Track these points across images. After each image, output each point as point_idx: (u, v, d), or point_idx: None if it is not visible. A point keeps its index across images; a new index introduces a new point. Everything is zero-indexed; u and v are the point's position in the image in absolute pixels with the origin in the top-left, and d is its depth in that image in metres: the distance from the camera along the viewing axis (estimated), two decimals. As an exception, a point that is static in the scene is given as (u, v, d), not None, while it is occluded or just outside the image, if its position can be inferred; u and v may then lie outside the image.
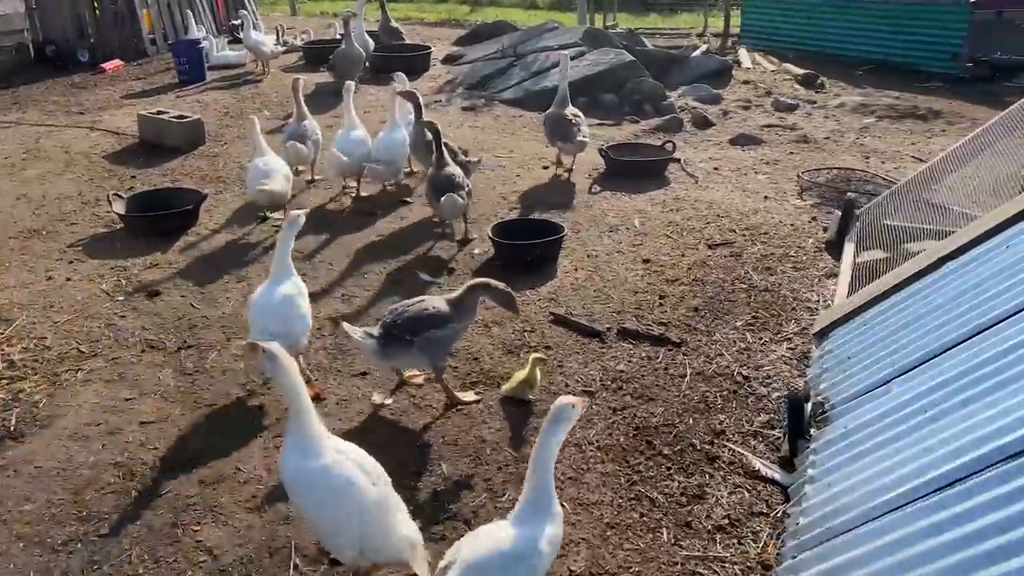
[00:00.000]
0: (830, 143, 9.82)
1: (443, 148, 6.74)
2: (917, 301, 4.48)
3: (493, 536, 2.91)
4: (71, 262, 6.52)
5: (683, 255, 6.68)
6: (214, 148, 9.23)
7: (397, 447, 4.36)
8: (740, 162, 9.13)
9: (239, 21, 13.09)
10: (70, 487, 4.02)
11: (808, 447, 3.99)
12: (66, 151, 9.06)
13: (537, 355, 4.80)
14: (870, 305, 4.88)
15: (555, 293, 6.07)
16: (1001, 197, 5.48)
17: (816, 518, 3.40)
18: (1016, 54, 13.72)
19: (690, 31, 18.97)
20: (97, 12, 13.78)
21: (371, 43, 12.66)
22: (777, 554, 3.56)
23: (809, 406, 4.17)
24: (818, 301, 5.89)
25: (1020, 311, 3.54)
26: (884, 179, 8.35)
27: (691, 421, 4.56)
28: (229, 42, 14.30)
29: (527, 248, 6.44)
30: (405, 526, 3.24)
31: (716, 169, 8.88)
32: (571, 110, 8.41)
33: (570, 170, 8.59)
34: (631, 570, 3.57)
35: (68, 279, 6.20)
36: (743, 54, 14.95)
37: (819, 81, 12.85)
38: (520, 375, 4.74)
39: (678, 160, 8.86)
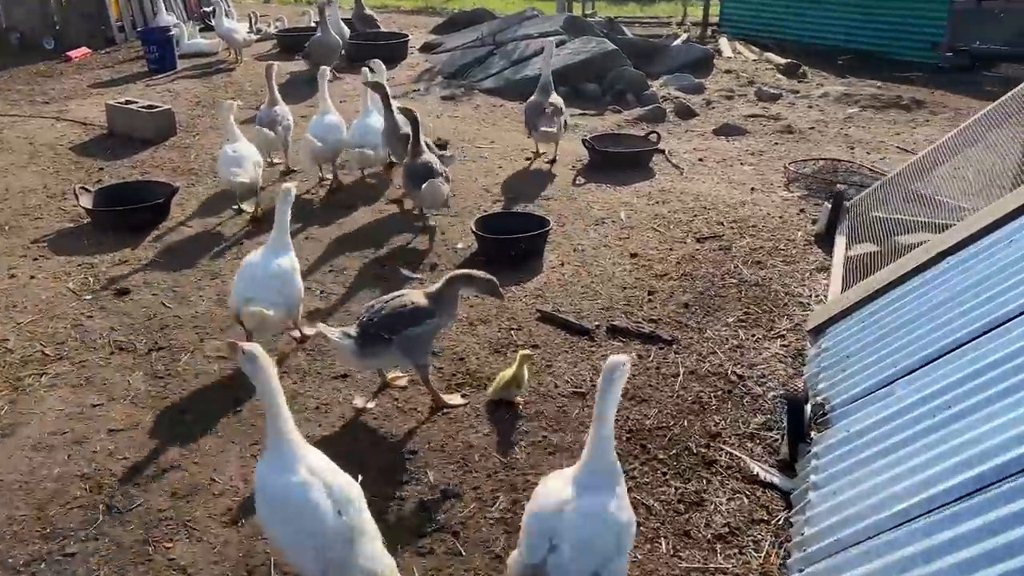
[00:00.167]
0: (815, 133, 9.71)
1: (420, 136, 6.57)
2: (917, 298, 4.34)
3: (589, 508, 2.82)
4: (35, 259, 6.24)
5: (671, 249, 6.52)
6: (185, 139, 8.94)
7: (380, 454, 4.17)
8: (725, 153, 8.99)
9: (211, 8, 12.75)
10: (33, 502, 3.79)
11: (809, 451, 3.85)
12: (30, 142, 8.73)
13: (525, 352, 4.62)
14: (867, 301, 4.74)
15: (542, 289, 5.89)
16: (995, 190, 5.37)
17: (823, 528, 3.26)
18: (994, 43, 13.72)
19: (669, 19, 18.84)
20: (63, -2, 13.37)
21: (347, 31, 12.39)
22: (781, 564, 3.42)
23: (808, 408, 4.02)
24: (810, 296, 5.77)
25: (1030, 310, 3.41)
26: (870, 170, 8.25)
27: (686, 423, 4.40)
28: (201, 30, 13.95)
29: (512, 242, 6.25)
30: (371, 560, 3.01)
31: (701, 160, 8.73)
32: (554, 99, 8.24)
33: (553, 160, 8.42)
34: (629, 583, 3.41)
35: (32, 277, 5.93)
36: (724, 43, 14.83)
37: (801, 70, 12.74)
38: (506, 374, 4.56)
39: (663, 151, 8.71)
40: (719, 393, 4.67)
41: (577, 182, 7.97)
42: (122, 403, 4.54)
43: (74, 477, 3.94)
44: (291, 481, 2.95)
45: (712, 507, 3.80)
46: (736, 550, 3.56)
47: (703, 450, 4.19)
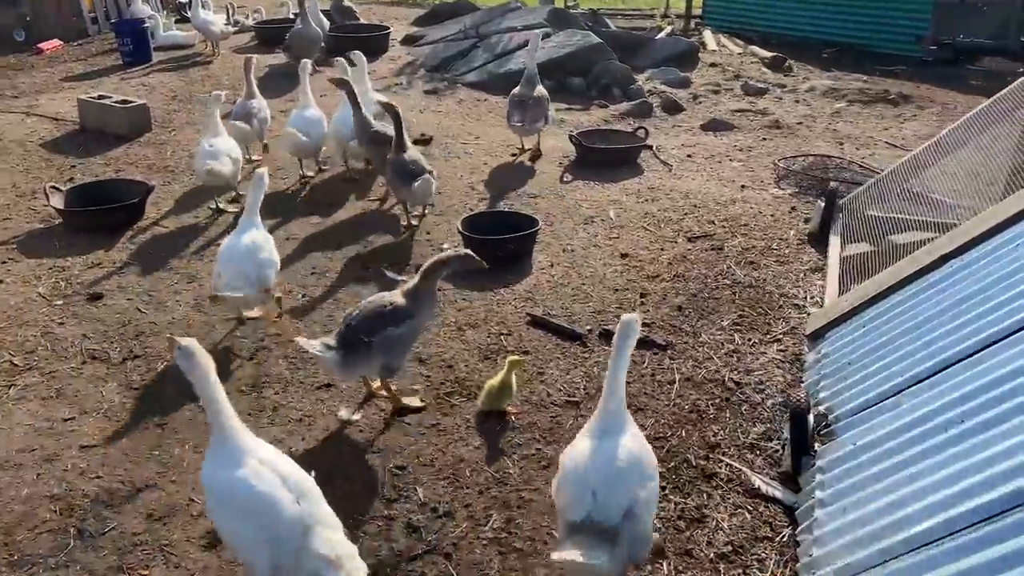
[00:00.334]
0: (803, 128, 9.59)
1: (404, 131, 6.43)
2: (920, 303, 4.22)
3: (608, 452, 2.99)
4: (3, 262, 5.99)
5: (662, 249, 6.37)
6: (161, 135, 8.67)
7: (367, 469, 4.00)
8: (713, 148, 8.85)
9: (186, -1, 12.46)
10: (0, 526, 3.58)
11: (813, 464, 3.72)
12: (-1, 138, 8.45)
13: (514, 358, 4.46)
14: (867, 305, 4.61)
15: (531, 292, 5.72)
16: (994, 189, 5.27)
17: (832, 550, 3.12)
18: (977, 37, 13.67)
19: (653, 11, 18.65)
20: (34, -12, 12.99)
21: (327, 23, 12.14)
22: (787, 586, 3.29)
23: (811, 418, 3.89)
24: (805, 298, 5.64)
25: (1044, 319, 3.29)
26: (860, 166, 8.14)
27: (683, 433, 4.26)
28: (176, 21, 13.64)
29: (500, 243, 6.07)
30: (331, 545, 2.89)
31: (689, 156, 8.59)
32: (539, 91, 8.09)
33: (537, 156, 8.25)
34: (630, 607, 3.27)
35: (0, 281, 5.69)
36: (708, 36, 14.67)
37: (786, 64, 12.61)
38: (494, 382, 4.39)
39: (651, 147, 8.55)
40: (717, 401, 4.53)
41: (564, 179, 7.80)
42: (95, 417, 4.33)
43: (43, 498, 3.74)
44: (238, 474, 2.87)
45: (714, 524, 3.66)
46: (740, 570, 3.42)
47: (702, 462, 4.05)
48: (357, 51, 8.28)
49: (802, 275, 5.95)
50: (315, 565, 2.84)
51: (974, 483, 2.80)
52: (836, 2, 14.59)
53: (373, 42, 12.29)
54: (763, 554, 3.50)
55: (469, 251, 4.32)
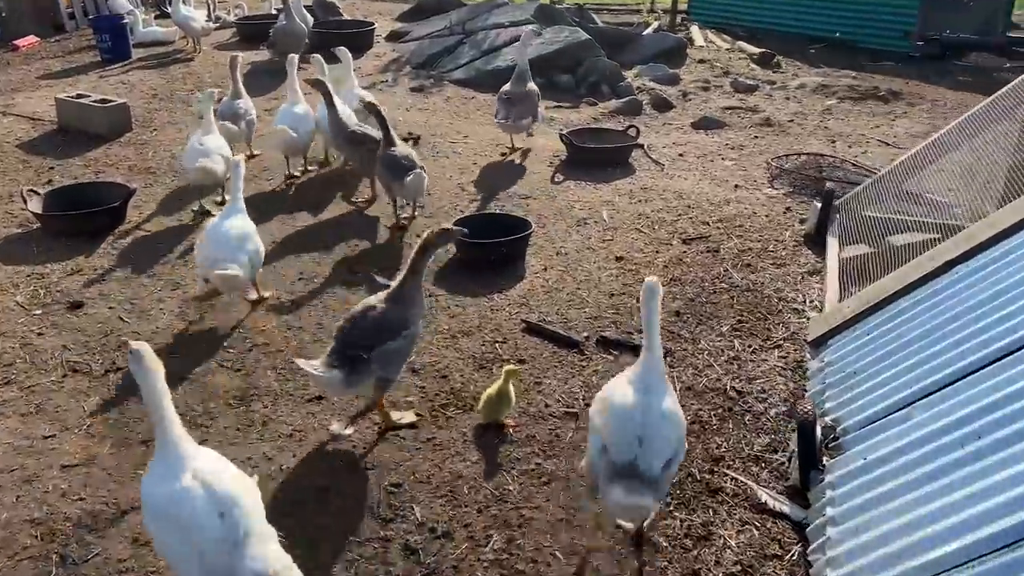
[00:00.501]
0: (794, 126, 9.51)
1: (389, 127, 6.37)
2: (927, 310, 4.13)
3: (660, 408, 3.24)
4: (-20, 269, 5.81)
5: (657, 251, 6.26)
6: (142, 135, 8.46)
7: (361, 487, 3.86)
8: (705, 147, 8.75)
9: (166, -6, 12.21)
10: (-23, 553, 3.43)
11: (822, 479, 3.62)
12: (-26, 139, 8.22)
13: (510, 367, 4.33)
14: (871, 312, 4.52)
15: (526, 297, 5.60)
16: (994, 189, 5.19)
17: (848, 572, 3.02)
18: (963, 32, 13.66)
19: (639, 7, 18.54)
20: (8, -17, 12.70)
21: (310, 18, 11.93)
22: (799, 607, 3.19)
23: (818, 430, 3.79)
24: (804, 301, 5.54)
25: (1060, 330, 3.20)
26: (854, 164, 8.06)
27: (687, 446, 4.14)
28: (156, 17, 13.36)
29: (493, 247, 5.94)
30: (264, 561, 2.82)
31: (681, 155, 8.48)
32: (530, 87, 8.04)
33: (525, 152, 8.12)
34: (638, 632, 3.16)
35: (-24, 290, 5.51)
36: (696, 32, 14.57)
37: (775, 60, 12.54)
38: (491, 392, 4.26)
39: (642, 146, 8.44)
40: (719, 411, 4.42)
41: (556, 179, 7.67)
42: (76, 434, 4.17)
43: (23, 523, 3.58)
44: (172, 489, 2.85)
45: (721, 541, 3.55)
46: (750, 591, 3.32)
47: (707, 476, 3.94)
48: (342, 47, 8.14)
49: (800, 278, 5.85)
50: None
51: (996, 504, 2.70)
52: (824, -3, 14.55)
53: (358, 38, 12.09)
54: (773, 574, 3.39)
55: (446, 227, 4.21)
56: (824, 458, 3.72)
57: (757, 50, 12.89)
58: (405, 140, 7.65)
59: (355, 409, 4.39)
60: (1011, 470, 2.78)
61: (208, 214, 6.65)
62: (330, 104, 6.73)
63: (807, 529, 3.49)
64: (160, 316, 5.28)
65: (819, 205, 6.40)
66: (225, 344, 4.98)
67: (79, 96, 8.60)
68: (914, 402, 3.57)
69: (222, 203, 6.75)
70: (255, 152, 7.86)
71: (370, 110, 6.50)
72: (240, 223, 5.14)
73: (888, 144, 8.87)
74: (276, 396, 4.51)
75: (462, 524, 3.65)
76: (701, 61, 12.36)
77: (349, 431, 4.22)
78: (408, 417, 4.30)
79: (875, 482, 3.31)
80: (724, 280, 5.81)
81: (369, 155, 6.61)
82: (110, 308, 5.35)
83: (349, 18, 13.79)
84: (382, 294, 4.17)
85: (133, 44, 11.50)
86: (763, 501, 3.76)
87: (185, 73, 10.63)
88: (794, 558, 3.46)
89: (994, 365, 3.36)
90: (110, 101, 8.49)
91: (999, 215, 4.27)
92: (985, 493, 2.79)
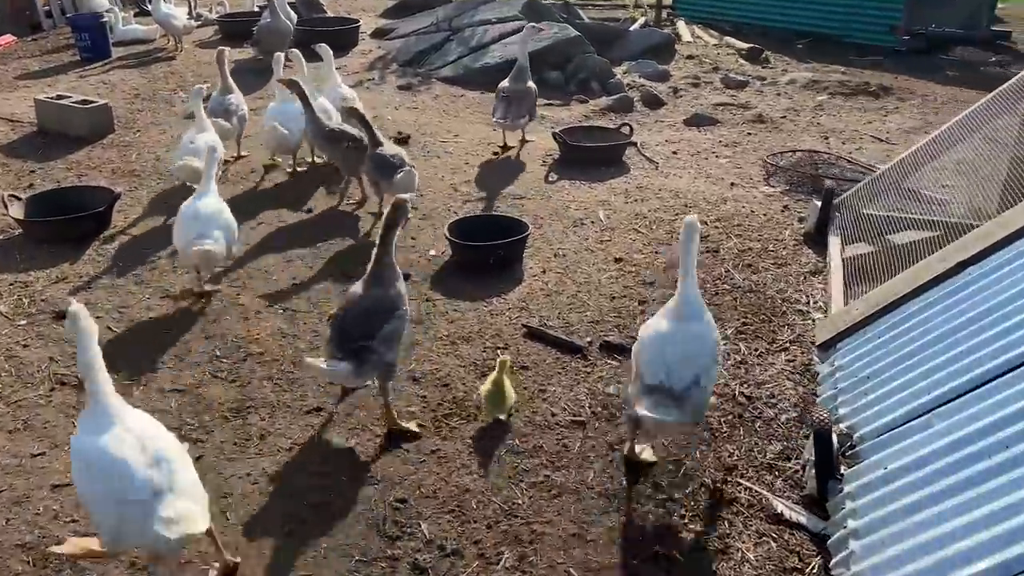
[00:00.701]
0: (787, 122, 9.44)
1: (373, 127, 6.35)
2: (940, 313, 4.05)
3: (686, 332, 3.62)
4: (-40, 278, 5.62)
5: (656, 252, 6.16)
6: (125, 136, 8.25)
7: (365, 503, 3.73)
8: (698, 145, 8.66)
9: (146, -9, 11.97)
10: (-34, 581, 3.28)
11: (841, 489, 3.53)
12: (-49, 142, 7.99)
13: (503, 358, 4.29)
14: (881, 314, 4.44)
15: (525, 301, 5.48)
16: (993, 184, 5.14)
17: (877, 589, 2.93)
18: (948, 26, 13.67)
19: (624, 2, 18.43)
20: (-18, -19, 12.42)
21: (294, 15, 11.72)
22: (823, 623, 3.10)
23: (834, 438, 3.70)
24: (807, 303, 5.46)
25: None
26: (849, 161, 8.01)
27: (697, 455, 4.05)
28: (136, 14, 13.11)
29: (490, 249, 5.82)
30: (174, 509, 2.89)
31: (675, 153, 8.39)
32: (529, 85, 7.99)
33: (518, 152, 8.01)
34: (658, 652, 3.06)
35: (-43, 300, 5.33)
36: (682, 27, 14.49)
37: (764, 55, 12.48)
38: (487, 386, 4.24)
39: (635, 144, 8.34)
40: (729, 418, 4.33)
41: (550, 179, 7.56)
42: (66, 451, 3.98)
43: (14, 547, 3.42)
44: (101, 438, 2.94)
45: (739, 556, 3.46)
46: (772, 607, 3.23)
47: (720, 486, 3.84)
48: (323, 44, 8.00)
49: (802, 278, 5.77)
50: (157, 527, 2.85)
51: (1031, 520, 2.62)
52: (810, -9, 14.50)
53: (343, 36, 11.93)
54: (794, 588, 3.31)
55: (397, 207, 4.18)
56: (841, 467, 3.64)
57: (745, 45, 12.83)
58: (395, 141, 7.52)
59: (354, 420, 4.27)
60: (1045, 483, 2.70)
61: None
62: (306, 104, 6.65)
63: (828, 542, 3.40)
64: (149, 325, 5.12)
65: (818, 203, 6.33)
66: (218, 354, 4.83)
67: (59, 97, 8.38)
68: (933, 409, 3.49)
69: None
70: (243, 154, 7.71)
71: (351, 114, 6.44)
72: (212, 202, 5.25)
73: (881, 140, 8.82)
74: (273, 408, 4.37)
75: (472, 541, 3.53)
76: (690, 57, 12.27)
77: (351, 443, 4.09)
78: (412, 427, 4.18)
79: (898, 493, 3.22)
80: (726, 281, 5.73)
81: (348, 152, 6.58)
82: (97, 317, 5.16)
83: (333, 15, 13.60)
84: (358, 283, 4.18)
85: (113, 43, 11.25)
86: (779, 512, 3.67)
87: (167, 72, 10.42)
88: (815, 571, 3.37)
89: (1017, 371, 3.28)
90: (91, 102, 8.28)
91: (1011, 214, 4.20)
92: (1016, 508, 2.70)
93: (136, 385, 4.51)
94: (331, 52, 7.97)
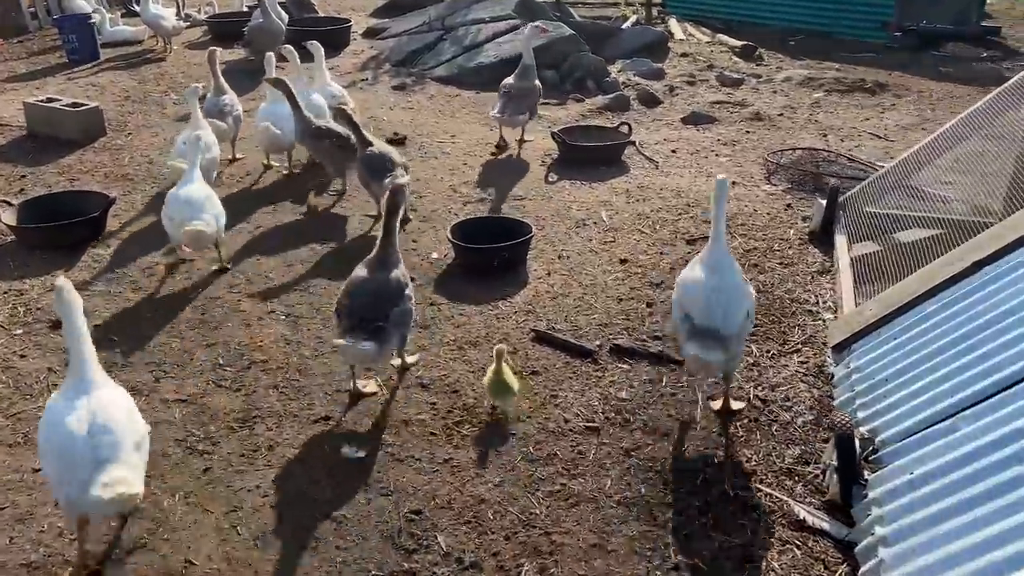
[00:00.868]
0: (784, 120, 9.40)
1: (362, 128, 6.31)
2: (957, 314, 3.99)
3: (733, 284, 4.00)
4: (-47, 287, 5.48)
5: (661, 253, 6.10)
6: (117, 139, 8.12)
7: (379, 514, 3.64)
8: (697, 143, 8.60)
9: (134, -9, 11.80)
10: (-30, 603, 3.17)
11: (866, 495, 3.47)
12: (-62, 147, 7.83)
13: (499, 347, 4.26)
14: (896, 315, 4.38)
15: (531, 304, 5.40)
16: (999, 183, 5.10)
17: (911, 599, 2.87)
18: (939, 23, 13.68)
19: (615, 0, 18.36)
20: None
21: (285, 16, 11.60)
22: (853, 634, 3.04)
23: (856, 442, 3.64)
24: (817, 303, 5.41)
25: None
26: (849, 159, 7.97)
27: (715, 460, 3.99)
28: (123, 15, 12.93)
29: (494, 252, 5.74)
30: (110, 475, 3.00)
31: (674, 152, 8.33)
32: (536, 83, 7.97)
33: (516, 151, 7.91)
34: (686, 666, 2.99)
35: (-50, 309, 5.20)
36: (675, 25, 14.43)
37: (757, 53, 12.43)
38: (489, 378, 4.24)
39: (634, 143, 8.28)
40: (745, 422, 4.26)
41: (550, 179, 7.48)
42: (69, 465, 3.89)
43: (18, 567, 3.32)
44: (52, 415, 3.15)
45: (764, 565, 3.39)
46: (800, 617, 3.17)
47: (740, 492, 3.78)
48: (314, 41, 7.94)
49: (810, 278, 5.72)
50: (96, 493, 2.96)
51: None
52: (802, -12, 14.47)
53: (334, 36, 11.81)
54: (821, 597, 3.25)
55: (396, 194, 4.39)
56: (864, 471, 3.58)
57: (738, 43, 12.77)
58: (391, 142, 7.43)
59: (363, 429, 4.18)
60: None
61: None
62: (294, 104, 6.64)
63: (855, 549, 3.34)
64: (149, 332, 5.01)
65: (823, 202, 6.29)
66: (221, 362, 4.72)
67: (49, 100, 8.24)
68: (956, 413, 3.43)
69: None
70: (238, 156, 7.60)
71: (340, 117, 6.38)
72: (199, 188, 5.45)
73: (880, 137, 8.79)
74: (280, 417, 4.28)
75: (490, 553, 3.45)
76: (684, 55, 12.22)
77: (362, 454, 4.00)
78: (370, 387, 4.48)
79: (926, 500, 3.16)
80: (733, 282, 5.66)
81: (334, 150, 6.60)
82: (94, 325, 5.06)
83: (324, 15, 13.47)
84: (362, 266, 4.38)
85: (101, 44, 11.09)
86: (801, 518, 3.61)
87: (157, 74, 10.27)
88: (841, 579, 3.31)
89: (1044, 373, 3.23)
90: (82, 105, 8.14)
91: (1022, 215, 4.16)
92: (1055, 515, 2.65)
93: (139, 395, 4.39)
94: (322, 49, 7.90)
